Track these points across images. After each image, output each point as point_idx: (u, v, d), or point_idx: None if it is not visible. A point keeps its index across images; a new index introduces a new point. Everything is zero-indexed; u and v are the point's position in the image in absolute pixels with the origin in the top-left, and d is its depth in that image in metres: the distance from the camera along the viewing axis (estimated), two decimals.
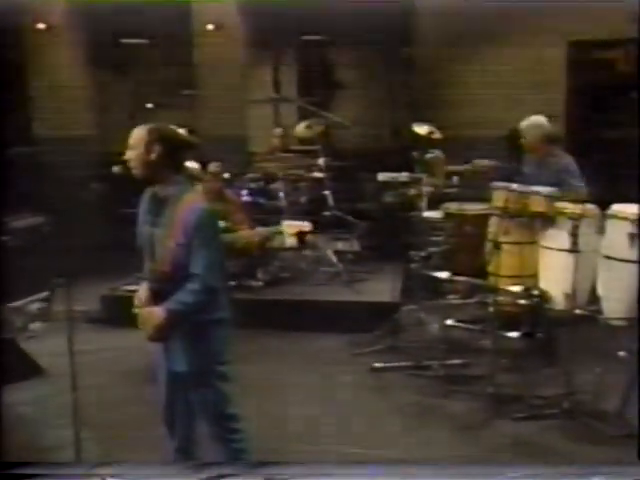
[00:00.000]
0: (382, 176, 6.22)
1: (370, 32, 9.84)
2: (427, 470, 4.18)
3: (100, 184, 9.64)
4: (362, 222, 7.61)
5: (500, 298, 5.26)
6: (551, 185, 5.32)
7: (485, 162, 6.27)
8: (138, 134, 3.62)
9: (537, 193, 5.09)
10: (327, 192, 7.14)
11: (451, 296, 5.81)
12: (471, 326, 5.79)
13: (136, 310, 3.72)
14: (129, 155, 3.63)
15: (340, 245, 7.82)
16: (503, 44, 9.32)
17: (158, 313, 3.50)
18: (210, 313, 3.64)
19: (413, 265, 6.36)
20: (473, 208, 5.80)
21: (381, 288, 7.10)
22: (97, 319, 7.19)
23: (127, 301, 6.90)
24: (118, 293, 7.19)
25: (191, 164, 7.55)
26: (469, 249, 5.74)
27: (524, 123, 5.98)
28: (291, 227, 6.17)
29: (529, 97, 9.17)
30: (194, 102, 9.73)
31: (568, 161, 5.94)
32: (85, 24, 9.57)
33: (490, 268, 5.40)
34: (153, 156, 3.57)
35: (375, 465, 4.29)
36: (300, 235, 6.23)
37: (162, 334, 3.53)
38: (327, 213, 7.34)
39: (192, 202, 3.58)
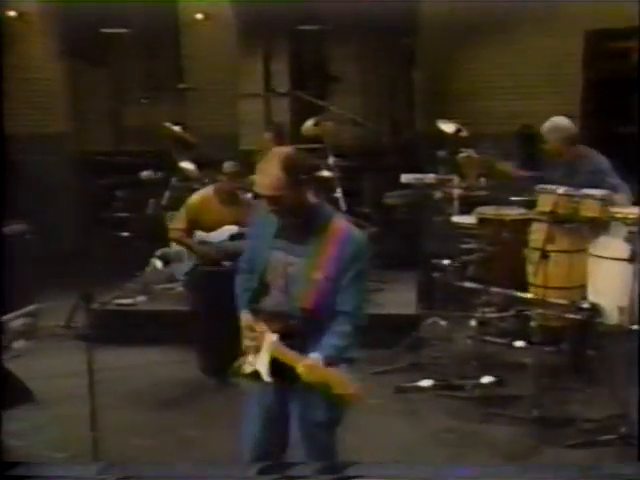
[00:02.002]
0: (406, 177, 5.92)
1: (369, 20, 9.53)
2: (427, 470, 3.98)
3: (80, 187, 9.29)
4: (374, 227, 7.27)
5: (544, 311, 4.95)
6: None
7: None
8: (271, 170, 3.22)
9: (589, 196, 4.79)
10: (338, 194, 6.79)
11: (485, 309, 5.49)
12: (508, 342, 5.48)
13: (250, 342, 3.32)
14: (264, 189, 3.25)
15: None
16: (514, 33, 9.02)
17: (318, 362, 3.07)
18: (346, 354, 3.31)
19: (437, 274, 6.11)
20: (512, 213, 5.48)
21: (398, 299, 6.82)
22: (87, 336, 6.74)
23: (119, 316, 6.77)
24: (109, 307, 6.78)
25: (186, 165, 7.25)
26: (506, 258, 5.43)
27: (544, 126, 5.69)
28: None
29: (542, 90, 8.95)
30: (181, 97, 9.34)
31: (600, 159, 5.64)
32: (61, 11, 9.15)
33: (532, 278, 5.10)
34: (295, 188, 3.20)
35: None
36: None
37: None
38: None
39: (345, 230, 3.26)
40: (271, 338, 3.20)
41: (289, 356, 3.13)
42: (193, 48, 9.40)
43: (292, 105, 10.21)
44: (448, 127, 6.11)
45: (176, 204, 6.90)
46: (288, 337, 3.21)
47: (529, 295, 5.12)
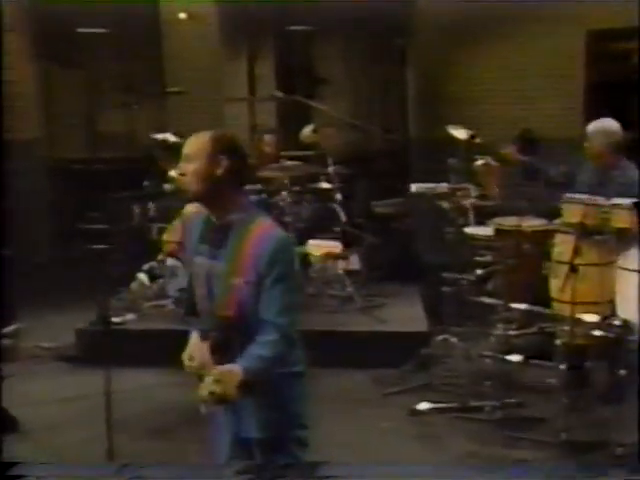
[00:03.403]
0: (416, 187, 5.79)
1: (360, 20, 9.46)
2: (427, 470, 3.76)
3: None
4: (374, 237, 7.17)
5: (571, 329, 4.83)
6: None
7: None
8: (198, 143, 3.09)
9: (620, 206, 4.69)
10: (338, 205, 6.65)
11: (503, 325, 5.37)
12: (525, 360, 5.37)
13: (190, 367, 3.17)
14: (184, 169, 3.09)
15: (341, 264, 7.34)
16: (513, 34, 8.96)
17: (237, 372, 2.91)
18: (286, 367, 3.12)
19: (447, 288, 6.01)
20: (533, 224, 5.37)
21: (404, 315, 6.72)
22: (72, 357, 6.57)
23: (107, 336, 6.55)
24: (96, 327, 6.56)
25: (175, 173, 7.05)
26: (526, 271, 5.32)
27: (591, 127, 5.55)
28: (318, 248, 5.71)
29: (543, 93, 8.90)
30: (162, 100, 9.16)
31: (635, 173, 5.54)
32: (35, 10, 8.93)
33: (558, 294, 4.99)
34: (218, 171, 3.04)
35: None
36: (329, 257, 5.79)
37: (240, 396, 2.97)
38: (337, 229, 6.86)
39: (264, 230, 3.07)
40: (205, 356, 3.08)
41: (208, 370, 2.98)
42: (175, 49, 9.19)
43: (279, 109, 10.11)
44: (460, 133, 5.97)
45: (165, 215, 6.75)
46: (217, 351, 3.07)
47: (555, 311, 4.99)
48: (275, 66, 10.37)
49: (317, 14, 9.33)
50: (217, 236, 3.11)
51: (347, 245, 6.88)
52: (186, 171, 3.08)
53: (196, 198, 3.11)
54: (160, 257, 6.78)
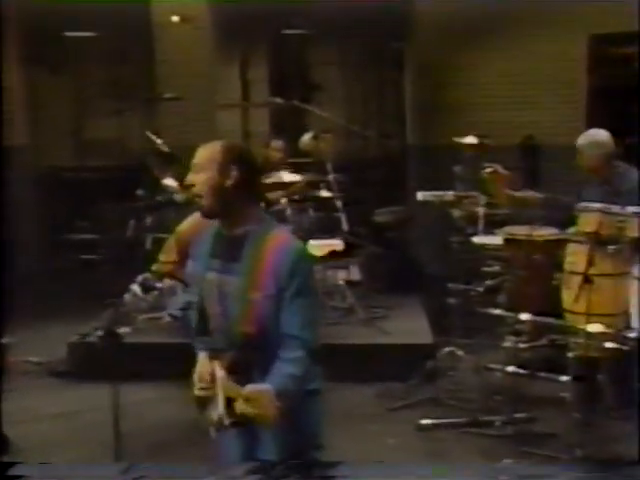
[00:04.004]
0: (422, 195, 5.76)
1: (356, 24, 9.44)
2: (427, 470, 3.78)
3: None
4: (375, 247, 7.14)
5: (585, 341, 4.81)
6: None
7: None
8: (208, 153, 3.05)
9: (636, 215, 4.67)
10: (340, 214, 6.62)
11: (512, 338, 5.34)
12: (534, 372, 5.34)
13: (201, 390, 3.09)
14: (194, 179, 3.05)
15: (341, 274, 7.31)
16: (514, 38, 8.96)
17: (270, 391, 2.81)
18: (304, 384, 3.06)
19: (454, 300, 5.99)
20: (545, 233, 5.35)
21: (408, 327, 6.70)
22: (63, 372, 6.52)
23: (101, 350, 6.47)
24: (90, 340, 6.50)
25: (169, 182, 7.00)
26: (536, 282, 5.29)
27: (581, 140, 5.56)
28: (321, 247, 5.65)
29: (545, 99, 8.90)
30: (154, 106, 9.10)
31: (636, 173, 5.55)
32: (21, 12, 8.85)
33: (571, 305, 4.96)
34: (230, 182, 3.00)
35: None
36: (332, 255, 5.73)
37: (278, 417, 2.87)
38: (339, 238, 6.82)
39: (282, 241, 3.02)
40: (220, 376, 2.98)
41: (234, 391, 2.89)
42: (167, 53, 9.13)
43: (272, 116, 10.08)
44: (469, 140, 5.95)
45: (160, 225, 6.71)
46: (235, 371, 2.99)
47: (568, 323, 4.96)
48: (269, 71, 10.33)
49: (312, 17, 9.31)
50: (230, 249, 3.06)
51: (349, 254, 6.83)
52: (196, 182, 3.04)
53: (207, 210, 3.06)
54: (149, 275, 6.67)
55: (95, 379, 6.17)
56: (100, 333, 6.47)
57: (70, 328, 6.96)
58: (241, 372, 2.99)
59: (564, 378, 4.96)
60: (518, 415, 5.32)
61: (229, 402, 2.94)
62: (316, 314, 3.11)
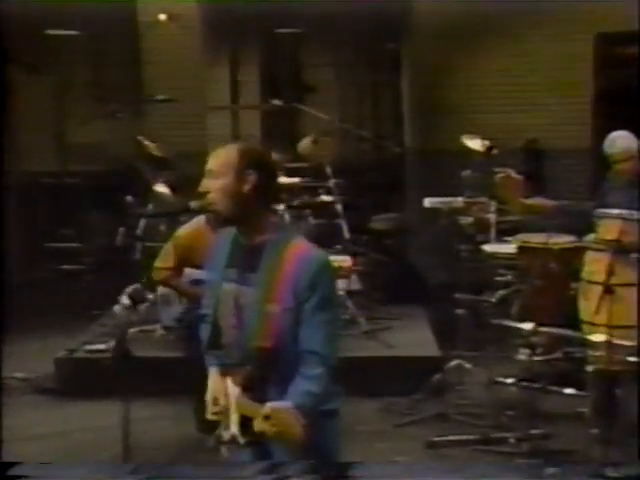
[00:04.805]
0: (430, 201, 5.71)
1: (352, 23, 9.39)
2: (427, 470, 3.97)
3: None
4: (377, 255, 7.09)
5: (604, 354, 4.76)
6: None
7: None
8: (224, 157, 2.98)
9: None
10: (341, 220, 6.57)
11: (527, 350, 5.28)
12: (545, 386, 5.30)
13: (216, 410, 3.03)
14: (209, 186, 2.98)
15: (341, 284, 7.23)
16: (516, 37, 8.94)
17: (291, 409, 2.75)
18: (324, 403, 2.99)
19: (461, 311, 5.95)
20: (561, 241, 5.30)
21: (413, 339, 6.64)
22: (50, 389, 6.40)
23: (90, 365, 6.39)
24: (78, 355, 6.41)
25: (161, 188, 6.92)
26: (552, 292, 5.24)
27: (610, 146, 5.44)
28: None
29: (549, 101, 8.88)
30: (142, 109, 9.02)
31: None
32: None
33: (590, 316, 4.91)
34: (247, 187, 2.93)
35: None
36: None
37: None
38: (339, 246, 6.77)
39: (302, 250, 2.96)
40: (234, 393, 2.95)
41: (251, 409, 2.84)
42: (154, 53, 9.05)
43: (263, 119, 10.03)
44: (476, 144, 5.89)
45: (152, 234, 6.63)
46: (249, 387, 2.93)
47: (586, 335, 4.91)
48: (260, 72, 10.26)
49: (305, 16, 9.23)
50: (247, 259, 3.00)
51: (353, 267, 6.77)
52: (211, 189, 2.97)
53: (223, 218, 2.99)
54: (144, 281, 6.59)
55: (84, 396, 6.17)
56: (103, 347, 6.45)
57: (55, 342, 6.88)
58: (256, 389, 2.94)
59: (581, 392, 4.93)
60: (533, 431, 5.25)
61: (243, 420, 2.90)
62: (337, 328, 3.05)
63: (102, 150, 8.97)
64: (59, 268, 8.57)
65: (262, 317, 2.92)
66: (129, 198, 7.04)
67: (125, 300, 7.02)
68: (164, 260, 5.95)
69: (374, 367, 6.27)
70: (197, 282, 5.87)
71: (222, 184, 2.94)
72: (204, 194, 2.99)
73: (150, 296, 6.63)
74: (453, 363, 6.02)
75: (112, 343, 6.45)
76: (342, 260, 6.13)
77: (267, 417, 2.70)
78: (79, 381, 6.30)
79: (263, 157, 3.02)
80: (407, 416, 5.80)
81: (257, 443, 2.91)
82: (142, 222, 6.99)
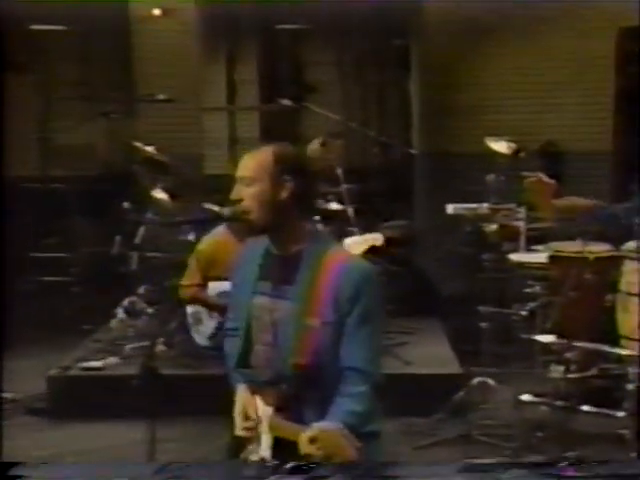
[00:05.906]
0: (453, 208, 5.61)
1: (356, 19, 9.35)
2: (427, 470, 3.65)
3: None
4: (391, 265, 6.98)
5: None
6: None
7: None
8: (258, 162, 2.91)
9: None
10: (354, 229, 6.46)
11: (560, 367, 5.18)
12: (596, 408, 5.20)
13: (246, 428, 2.97)
14: (242, 193, 2.91)
15: None
16: (532, 33, 8.84)
17: (337, 429, 2.68)
18: (368, 424, 2.95)
19: (485, 324, 5.87)
20: (597, 249, 5.19)
21: (431, 355, 6.56)
22: (42, 410, 6.28)
23: (85, 384, 6.28)
24: (72, 373, 6.30)
25: (159, 194, 6.82)
26: (587, 305, 5.12)
27: None
28: (359, 245, 5.40)
29: (567, 100, 8.80)
30: (131, 110, 8.92)
31: None
32: None
33: (628, 330, 4.83)
34: (284, 195, 2.86)
35: None
36: (374, 252, 5.50)
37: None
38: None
39: (342, 260, 2.91)
40: (266, 413, 2.94)
41: (289, 430, 2.83)
42: (147, 50, 8.96)
43: (261, 120, 9.98)
44: (501, 146, 5.79)
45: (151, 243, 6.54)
46: (284, 407, 2.92)
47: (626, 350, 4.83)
48: (258, 71, 10.23)
49: (307, 12, 9.16)
50: (282, 271, 2.96)
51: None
52: (245, 196, 2.90)
53: (257, 227, 2.94)
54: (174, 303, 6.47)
55: (77, 417, 6.04)
56: (99, 364, 6.33)
57: (44, 359, 6.78)
58: (291, 409, 2.91)
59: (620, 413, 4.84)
60: (567, 454, 5.14)
61: (277, 442, 2.90)
62: (381, 343, 2.95)
63: (93, 153, 8.89)
64: (49, 279, 8.47)
65: (300, 332, 2.87)
66: (126, 204, 6.94)
67: (122, 314, 6.98)
68: (190, 277, 5.89)
69: (390, 385, 6.14)
70: (225, 294, 5.77)
71: (257, 191, 2.89)
72: (236, 202, 2.92)
73: (149, 310, 6.62)
74: (476, 380, 5.92)
75: (109, 360, 6.47)
76: (375, 238, 5.97)
77: (313, 440, 2.64)
78: (74, 401, 6.18)
79: (300, 161, 2.98)
80: (427, 438, 5.70)
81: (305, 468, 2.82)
82: (141, 230, 6.88)
